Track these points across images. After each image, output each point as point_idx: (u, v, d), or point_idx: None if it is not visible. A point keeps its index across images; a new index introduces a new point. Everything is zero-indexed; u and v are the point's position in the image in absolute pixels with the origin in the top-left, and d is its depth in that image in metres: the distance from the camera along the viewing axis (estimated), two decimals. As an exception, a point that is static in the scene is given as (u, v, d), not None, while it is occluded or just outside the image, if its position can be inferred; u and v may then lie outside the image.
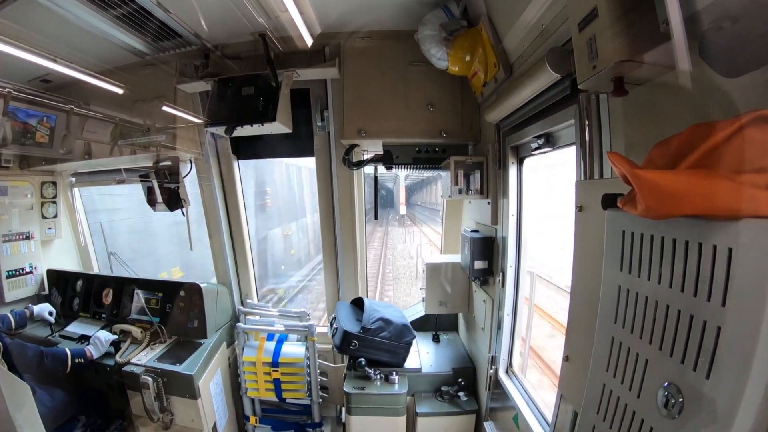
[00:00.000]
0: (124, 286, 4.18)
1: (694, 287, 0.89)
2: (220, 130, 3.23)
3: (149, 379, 3.39)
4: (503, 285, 2.93)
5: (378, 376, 3.49)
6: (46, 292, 4.28)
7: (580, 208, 1.65)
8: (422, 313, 4.15)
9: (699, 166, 0.85)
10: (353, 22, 3.10)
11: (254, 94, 3.20)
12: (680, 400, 0.89)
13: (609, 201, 1.15)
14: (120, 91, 3.28)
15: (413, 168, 3.71)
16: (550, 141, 2.28)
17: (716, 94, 1.08)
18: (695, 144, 0.87)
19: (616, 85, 1.33)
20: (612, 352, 1.18)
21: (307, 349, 3.80)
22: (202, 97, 3.64)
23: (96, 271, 4.83)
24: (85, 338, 3.83)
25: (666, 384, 0.94)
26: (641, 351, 1.05)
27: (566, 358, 1.72)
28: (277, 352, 3.81)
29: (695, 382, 0.86)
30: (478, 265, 3.19)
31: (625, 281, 1.15)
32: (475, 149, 3.47)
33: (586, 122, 1.69)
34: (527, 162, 2.78)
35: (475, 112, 3.26)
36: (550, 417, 2.13)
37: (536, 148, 2.42)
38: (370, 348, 3.54)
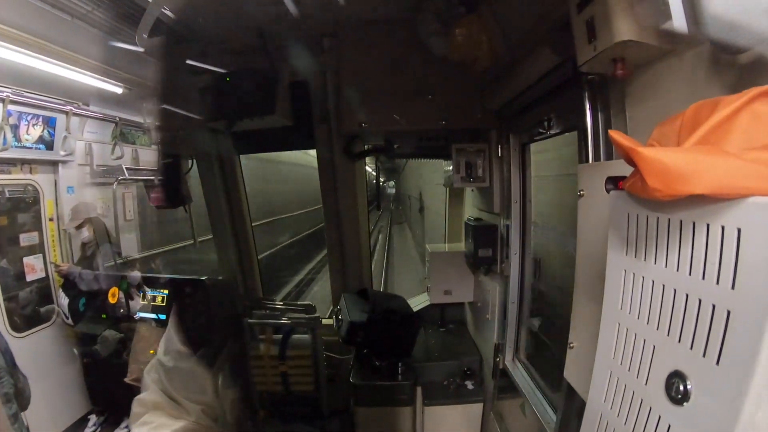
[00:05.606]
0: (130, 284, 4.17)
1: (702, 270, 0.86)
2: (219, 125, 3.21)
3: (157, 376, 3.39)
4: (508, 273, 2.91)
5: (384, 367, 3.49)
6: (53, 293, 4.28)
7: (581, 193, 1.62)
8: (428, 303, 4.14)
9: (704, 143, 0.82)
10: (350, 11, 3.05)
11: (253, 88, 3.16)
12: (689, 386, 0.87)
13: (612, 183, 1.12)
14: (119, 91, 3.26)
15: (415, 158, 3.68)
16: (552, 126, 2.24)
17: (722, 71, 1.04)
18: (700, 121, 0.83)
19: (617, 67, 1.29)
20: (618, 339, 1.15)
21: (313, 341, 3.81)
22: (201, 92, 3.60)
23: (101, 270, 4.82)
24: (92, 338, 3.83)
25: (674, 371, 0.92)
26: (648, 337, 1.03)
27: (571, 346, 1.70)
28: (283, 346, 3.81)
29: (705, 368, 0.84)
30: (482, 253, 3.16)
31: (630, 265, 1.12)
32: (477, 136, 3.43)
33: (588, 105, 1.65)
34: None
35: (476, 98, 3.20)
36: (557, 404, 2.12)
37: (538, 134, 2.38)
38: (376, 338, 3.53)
